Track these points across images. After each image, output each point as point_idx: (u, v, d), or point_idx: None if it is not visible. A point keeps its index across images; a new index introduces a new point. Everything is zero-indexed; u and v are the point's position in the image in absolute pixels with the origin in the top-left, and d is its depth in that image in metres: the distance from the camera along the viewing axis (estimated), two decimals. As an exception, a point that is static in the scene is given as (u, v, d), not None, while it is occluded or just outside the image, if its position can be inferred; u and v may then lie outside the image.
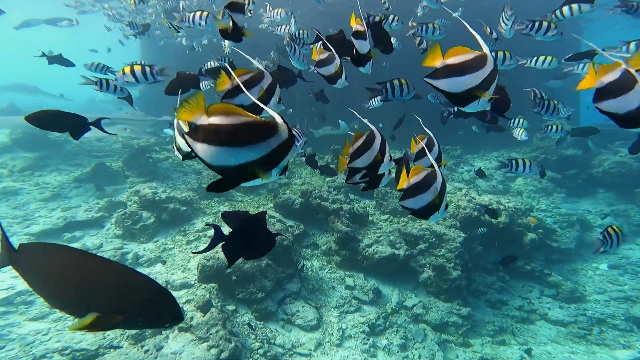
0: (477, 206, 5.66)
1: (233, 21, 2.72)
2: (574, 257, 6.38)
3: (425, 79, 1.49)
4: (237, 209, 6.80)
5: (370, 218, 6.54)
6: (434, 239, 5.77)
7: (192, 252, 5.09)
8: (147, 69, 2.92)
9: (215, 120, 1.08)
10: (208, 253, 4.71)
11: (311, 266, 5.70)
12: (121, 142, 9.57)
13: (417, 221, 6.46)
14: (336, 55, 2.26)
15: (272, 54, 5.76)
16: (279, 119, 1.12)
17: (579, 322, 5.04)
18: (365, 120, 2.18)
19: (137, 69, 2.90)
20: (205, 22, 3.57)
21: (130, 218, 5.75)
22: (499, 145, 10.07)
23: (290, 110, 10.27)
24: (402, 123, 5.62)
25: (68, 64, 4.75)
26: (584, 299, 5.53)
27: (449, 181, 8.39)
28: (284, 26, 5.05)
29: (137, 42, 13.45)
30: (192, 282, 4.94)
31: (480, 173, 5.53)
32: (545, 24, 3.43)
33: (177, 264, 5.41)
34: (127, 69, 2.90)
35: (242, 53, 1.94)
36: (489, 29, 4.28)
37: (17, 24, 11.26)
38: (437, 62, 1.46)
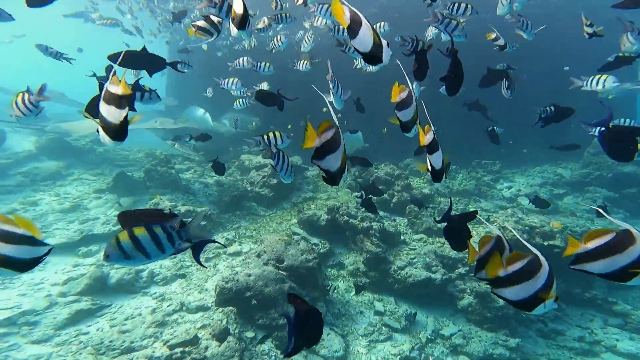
0: (526, 228, 5.03)
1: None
2: (642, 287, 5.53)
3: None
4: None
5: (402, 237, 6.03)
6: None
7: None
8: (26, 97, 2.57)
9: (324, 137, 1.46)
10: (227, 274, 4.38)
11: (337, 288, 5.24)
12: (144, 151, 9.66)
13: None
14: (413, 96, 1.98)
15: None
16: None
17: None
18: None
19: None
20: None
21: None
22: (541, 160, 9.31)
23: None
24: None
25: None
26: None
27: (488, 199, 7.73)
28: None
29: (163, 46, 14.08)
30: (209, 305, 4.60)
31: (539, 202, 4.72)
32: None
33: (194, 283, 5.10)
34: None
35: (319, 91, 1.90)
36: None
37: (70, 12, 10.71)
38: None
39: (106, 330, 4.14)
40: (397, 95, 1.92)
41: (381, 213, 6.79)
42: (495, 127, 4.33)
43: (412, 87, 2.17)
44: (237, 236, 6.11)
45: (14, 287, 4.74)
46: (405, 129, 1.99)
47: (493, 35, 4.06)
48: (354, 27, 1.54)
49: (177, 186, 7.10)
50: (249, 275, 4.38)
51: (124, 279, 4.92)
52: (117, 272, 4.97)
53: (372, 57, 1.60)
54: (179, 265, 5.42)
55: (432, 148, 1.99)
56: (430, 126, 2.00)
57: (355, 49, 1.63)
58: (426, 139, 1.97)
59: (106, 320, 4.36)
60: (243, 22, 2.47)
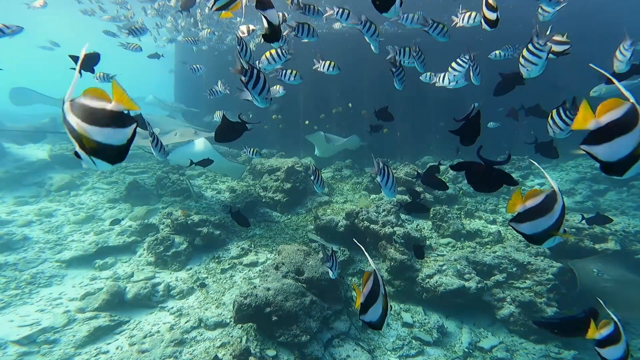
0: (573, 230, 4.62)
1: (267, 20, 2.36)
2: None
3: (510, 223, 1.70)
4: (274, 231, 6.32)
5: (428, 242, 5.71)
6: (514, 269, 4.83)
7: None
8: None
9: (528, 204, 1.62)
10: (245, 289, 4.21)
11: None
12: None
13: (488, 246, 5.52)
14: None
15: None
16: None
17: None
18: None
19: None
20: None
21: (162, 244, 5.47)
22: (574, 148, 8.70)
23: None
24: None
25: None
26: None
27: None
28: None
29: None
30: (228, 321, 4.45)
31: (601, 220, 4.15)
32: None
33: (211, 297, 4.98)
34: None
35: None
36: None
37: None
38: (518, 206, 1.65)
39: (125, 350, 4.05)
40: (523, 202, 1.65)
41: (403, 216, 6.49)
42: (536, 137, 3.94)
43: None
44: (252, 245, 5.96)
45: (33, 302, 4.74)
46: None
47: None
48: None
49: (189, 194, 7.02)
50: (268, 289, 4.20)
51: (140, 293, 4.84)
52: (133, 287, 4.90)
53: None
54: (194, 278, 5.31)
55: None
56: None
57: None
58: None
59: (125, 337, 4.28)
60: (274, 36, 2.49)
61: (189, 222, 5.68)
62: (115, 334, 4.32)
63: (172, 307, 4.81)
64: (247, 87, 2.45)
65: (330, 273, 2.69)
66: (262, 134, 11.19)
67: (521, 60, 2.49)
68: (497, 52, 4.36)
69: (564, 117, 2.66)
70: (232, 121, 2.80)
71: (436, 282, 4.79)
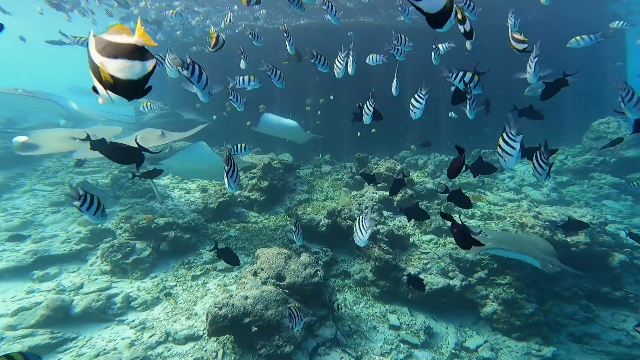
0: (547, 224, 4.78)
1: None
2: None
3: None
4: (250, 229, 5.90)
5: (411, 239, 5.66)
6: (494, 265, 4.92)
7: None
8: None
9: None
10: (220, 299, 3.80)
11: (344, 300, 4.83)
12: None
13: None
14: None
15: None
16: None
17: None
18: None
19: None
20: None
21: (120, 250, 4.85)
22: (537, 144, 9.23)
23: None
24: None
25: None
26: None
27: (493, 191, 7.53)
28: None
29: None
30: (201, 333, 4.03)
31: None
32: None
33: (181, 307, 4.49)
34: None
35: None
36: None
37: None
38: None
39: (73, 375, 3.49)
40: None
41: (385, 213, 6.40)
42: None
43: None
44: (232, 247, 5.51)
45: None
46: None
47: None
48: None
49: (153, 194, 6.36)
50: (246, 297, 3.84)
51: (92, 307, 4.21)
52: (82, 299, 4.25)
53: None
54: (160, 286, 4.78)
55: None
56: None
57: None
58: None
59: (71, 356, 3.69)
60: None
61: (152, 226, 5.10)
62: (58, 353, 3.71)
63: (133, 320, 4.27)
64: (191, 81, 2.64)
65: (198, 90, 2.79)
66: (236, 130, 10.62)
67: (498, 150, 2.43)
68: (578, 38, 4.16)
69: (509, 142, 2.41)
70: (127, 146, 2.63)
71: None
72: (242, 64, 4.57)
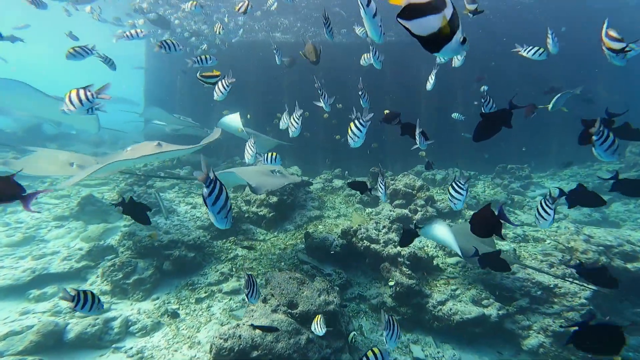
0: (600, 248, 4.28)
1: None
2: None
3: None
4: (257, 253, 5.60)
5: (435, 262, 5.22)
6: (538, 292, 4.41)
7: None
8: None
9: None
10: (226, 329, 3.48)
11: (359, 328, 4.42)
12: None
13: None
14: None
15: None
16: None
17: None
18: None
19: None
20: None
21: (122, 270, 4.62)
22: (574, 160, 8.67)
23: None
24: None
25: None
26: None
27: (524, 210, 7.00)
28: None
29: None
30: (203, 366, 3.68)
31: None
32: None
33: (183, 333, 4.18)
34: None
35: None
36: None
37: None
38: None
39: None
40: None
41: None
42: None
43: None
44: (234, 269, 5.22)
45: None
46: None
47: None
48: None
49: (159, 208, 6.19)
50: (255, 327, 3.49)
51: (88, 332, 3.93)
52: (77, 324, 3.99)
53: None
54: (162, 310, 4.48)
55: None
56: None
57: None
58: None
59: None
60: None
61: (156, 244, 4.87)
62: (47, 386, 3.43)
63: (131, 348, 3.97)
64: (206, 203, 1.95)
65: (213, 217, 2.08)
66: (240, 142, 10.53)
67: (448, 195, 2.87)
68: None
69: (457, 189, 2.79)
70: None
71: (450, 309, 4.29)
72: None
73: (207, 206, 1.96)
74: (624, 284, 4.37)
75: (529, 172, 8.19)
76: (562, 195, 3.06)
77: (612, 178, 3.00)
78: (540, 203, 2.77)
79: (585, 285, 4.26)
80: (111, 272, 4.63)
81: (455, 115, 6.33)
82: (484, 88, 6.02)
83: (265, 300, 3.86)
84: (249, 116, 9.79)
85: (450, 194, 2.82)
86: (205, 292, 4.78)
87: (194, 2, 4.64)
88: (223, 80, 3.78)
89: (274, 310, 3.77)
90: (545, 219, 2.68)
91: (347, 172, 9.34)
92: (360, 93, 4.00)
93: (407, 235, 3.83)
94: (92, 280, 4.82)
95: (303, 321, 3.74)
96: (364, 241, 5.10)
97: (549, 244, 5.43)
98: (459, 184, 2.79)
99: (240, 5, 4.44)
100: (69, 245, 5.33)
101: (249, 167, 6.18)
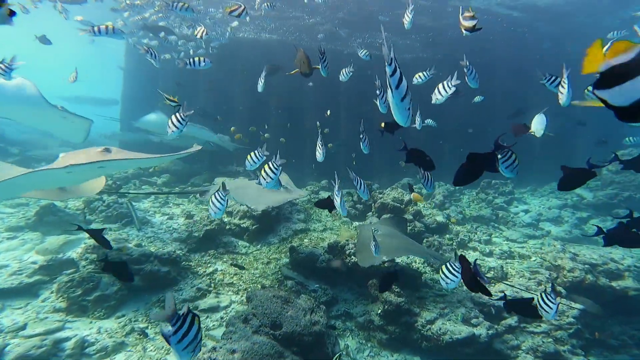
0: (586, 266, 4.33)
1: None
2: None
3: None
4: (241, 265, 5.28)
5: (423, 278, 5.12)
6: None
7: None
8: None
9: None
10: (199, 354, 3.15)
11: (345, 348, 4.20)
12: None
13: (492, 284, 5.05)
14: None
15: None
16: None
17: None
18: None
19: None
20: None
21: (82, 286, 4.18)
22: (550, 176, 9.01)
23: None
24: None
25: None
26: None
27: (509, 226, 7.11)
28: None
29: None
30: (172, 396, 3.31)
31: None
32: None
33: (150, 355, 3.78)
34: None
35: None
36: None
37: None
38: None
39: None
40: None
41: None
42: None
43: None
44: (212, 284, 4.87)
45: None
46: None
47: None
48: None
49: (132, 219, 5.77)
50: (233, 351, 3.21)
51: (31, 355, 3.44)
52: (20, 344, 3.49)
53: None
54: (127, 328, 4.06)
55: None
56: None
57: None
58: None
59: None
60: None
61: (124, 257, 4.47)
62: None
63: (87, 375, 3.53)
64: (169, 342, 1.70)
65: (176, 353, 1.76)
66: (226, 149, 10.23)
67: (441, 274, 2.81)
68: None
69: (452, 270, 2.71)
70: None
71: (439, 329, 4.16)
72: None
73: (169, 344, 1.69)
74: (610, 301, 4.43)
75: (512, 188, 8.40)
76: (599, 233, 3.09)
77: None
78: (541, 296, 2.69)
79: (573, 305, 4.28)
80: (68, 288, 4.17)
81: (429, 121, 6.17)
82: (479, 98, 6.08)
83: (246, 320, 3.57)
84: (218, 118, 9.54)
85: (443, 273, 2.74)
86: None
87: (185, 4, 4.46)
88: (178, 114, 3.11)
89: (256, 332, 3.48)
90: (548, 312, 2.63)
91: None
92: (361, 136, 3.79)
93: (387, 279, 3.62)
94: (44, 296, 4.32)
95: (287, 344, 3.47)
96: (352, 257, 4.93)
97: (534, 260, 5.48)
98: (454, 266, 2.73)
99: (234, 8, 4.31)
100: (22, 258, 4.80)
101: (238, 181, 5.91)
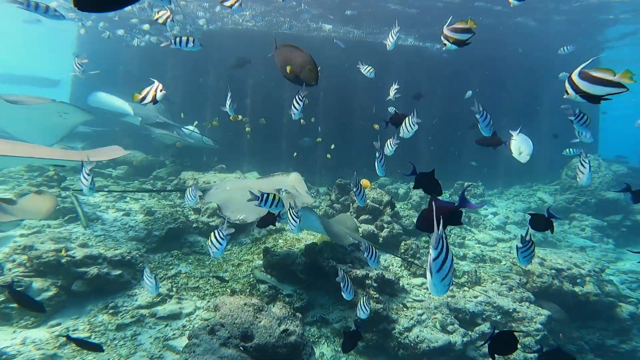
0: (553, 271, 4.50)
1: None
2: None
3: None
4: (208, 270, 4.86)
5: (401, 283, 5.06)
6: (498, 317, 4.46)
7: None
8: None
9: None
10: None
11: (321, 356, 4.03)
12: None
13: (466, 288, 5.12)
14: None
15: None
16: None
17: None
18: None
19: None
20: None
21: (2, 292, 3.56)
22: (514, 180, 9.48)
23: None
24: None
25: None
26: None
27: (480, 228, 7.33)
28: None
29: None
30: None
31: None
32: None
33: (96, 371, 3.30)
34: None
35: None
36: None
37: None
38: None
39: None
40: None
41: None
42: None
43: None
44: (174, 288, 4.42)
45: None
46: None
47: None
48: None
49: (76, 216, 5.10)
50: (197, 369, 2.86)
51: None
52: None
53: None
54: (60, 341, 3.52)
55: None
56: None
57: None
58: None
59: None
60: None
61: (63, 260, 3.88)
62: None
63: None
64: None
65: None
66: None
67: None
68: None
69: None
70: None
71: (417, 337, 4.12)
72: None
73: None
74: (571, 306, 4.65)
75: (482, 190, 8.71)
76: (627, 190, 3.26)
77: None
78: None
79: (541, 310, 4.44)
80: (-8, 295, 3.54)
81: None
82: (472, 98, 6.00)
83: (212, 331, 3.22)
84: (182, 115, 9.01)
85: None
86: (131, 317, 3.92)
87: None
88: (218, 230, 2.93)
89: (224, 344, 3.16)
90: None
91: (309, 182, 9.00)
92: (355, 189, 3.51)
93: (351, 338, 3.23)
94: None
95: (259, 357, 3.19)
96: (330, 261, 4.74)
97: (504, 264, 5.65)
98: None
99: None
100: None
101: (235, 180, 5.38)
